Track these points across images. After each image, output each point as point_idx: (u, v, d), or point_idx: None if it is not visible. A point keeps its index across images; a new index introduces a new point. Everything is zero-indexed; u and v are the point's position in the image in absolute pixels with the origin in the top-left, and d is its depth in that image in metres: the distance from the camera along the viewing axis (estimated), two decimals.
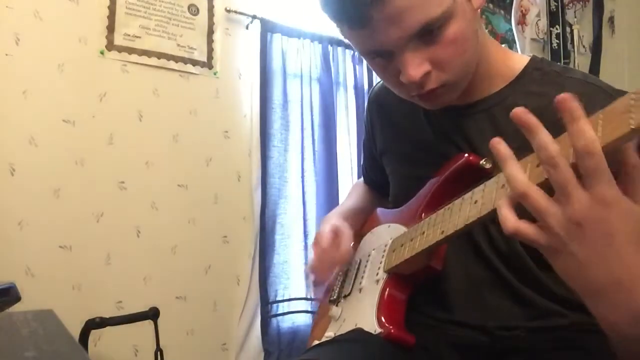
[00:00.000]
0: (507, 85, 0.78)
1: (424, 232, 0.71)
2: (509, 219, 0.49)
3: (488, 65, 0.78)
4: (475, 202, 0.59)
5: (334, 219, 0.97)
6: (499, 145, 0.51)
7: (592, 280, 0.47)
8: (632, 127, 0.42)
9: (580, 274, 0.47)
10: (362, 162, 1.15)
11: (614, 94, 0.70)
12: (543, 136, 0.46)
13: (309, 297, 2.12)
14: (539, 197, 0.47)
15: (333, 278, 0.94)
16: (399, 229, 0.83)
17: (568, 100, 0.44)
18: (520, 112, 0.48)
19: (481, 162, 0.72)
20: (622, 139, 0.44)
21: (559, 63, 0.82)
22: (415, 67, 0.67)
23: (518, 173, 0.48)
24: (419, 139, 0.86)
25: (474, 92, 0.79)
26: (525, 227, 0.48)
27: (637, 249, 0.45)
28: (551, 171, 0.46)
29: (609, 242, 0.45)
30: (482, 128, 0.77)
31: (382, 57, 0.69)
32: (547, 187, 0.47)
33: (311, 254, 0.95)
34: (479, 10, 0.72)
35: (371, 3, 0.62)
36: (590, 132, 0.43)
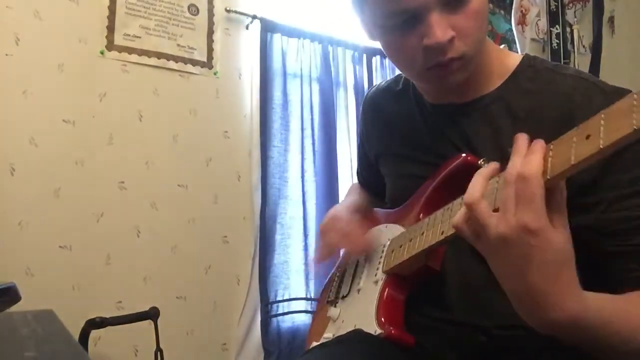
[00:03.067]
0: (501, 83, 0.78)
1: (423, 233, 0.71)
2: (458, 216, 0.57)
3: (486, 62, 0.79)
4: None
5: (342, 210, 0.97)
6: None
7: (509, 288, 0.55)
8: (635, 127, 0.43)
9: (501, 279, 0.56)
10: (357, 167, 1.15)
11: (607, 89, 0.70)
12: (515, 158, 0.53)
13: (308, 297, 2.12)
14: (482, 210, 0.53)
15: (328, 280, 0.93)
16: (397, 230, 0.83)
17: (519, 138, 0.54)
18: (519, 137, 0.54)
19: (479, 161, 0.72)
20: (624, 139, 0.44)
21: (553, 61, 0.82)
22: (443, 29, 0.68)
23: (476, 184, 0.56)
24: (416, 139, 0.86)
25: (470, 90, 0.79)
26: (466, 229, 0.56)
27: (550, 274, 0.51)
28: (501, 187, 0.53)
29: (526, 262, 0.51)
30: (479, 126, 0.77)
31: (405, 22, 0.69)
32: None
33: (319, 238, 0.93)
34: None
35: None
36: (534, 162, 0.50)
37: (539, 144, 0.52)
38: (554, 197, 0.52)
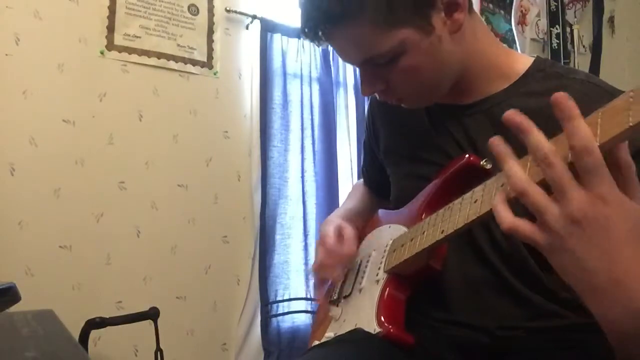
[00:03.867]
0: (509, 85, 0.78)
1: (424, 232, 0.71)
2: (506, 217, 0.49)
3: (489, 66, 0.79)
4: (476, 201, 0.59)
5: (337, 220, 0.97)
6: (498, 143, 0.51)
7: (590, 277, 0.46)
8: (631, 124, 0.43)
9: (578, 271, 0.47)
10: (362, 164, 1.15)
11: (615, 94, 0.70)
12: (536, 135, 0.47)
13: (309, 297, 2.12)
14: (537, 195, 0.47)
15: (337, 277, 0.94)
16: (399, 230, 0.83)
17: (564, 99, 0.45)
18: (512, 114, 0.49)
19: (482, 162, 0.72)
20: (620, 136, 0.44)
21: (561, 64, 0.83)
22: (367, 85, 0.76)
23: (517, 170, 0.48)
24: (421, 138, 0.86)
25: (475, 92, 0.79)
26: (523, 225, 0.48)
27: (635, 247, 0.45)
28: (547, 170, 0.46)
29: (608, 239, 0.45)
30: (484, 128, 0.77)
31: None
32: (545, 186, 0.47)
33: (316, 254, 0.95)
34: (457, 30, 0.74)
35: (322, 35, 0.72)
36: (586, 130, 0.44)
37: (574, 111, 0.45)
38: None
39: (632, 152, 0.51)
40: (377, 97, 0.79)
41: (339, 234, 0.92)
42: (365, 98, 1.92)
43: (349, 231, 0.92)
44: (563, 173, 0.45)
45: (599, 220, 0.44)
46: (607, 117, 0.45)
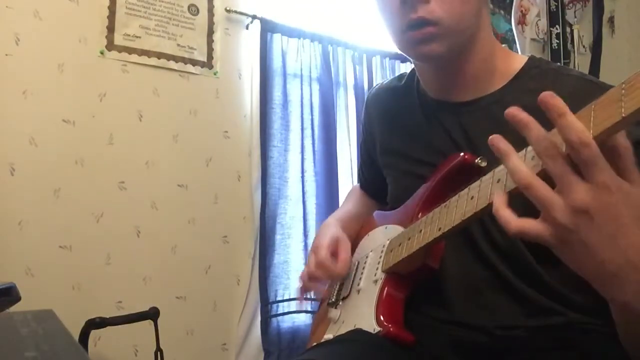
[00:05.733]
0: (506, 84, 0.78)
1: (421, 230, 0.71)
2: (511, 220, 0.49)
3: (491, 63, 0.79)
4: (472, 197, 0.60)
5: (333, 227, 0.97)
6: (499, 140, 0.51)
7: (604, 264, 0.46)
8: (623, 115, 0.43)
9: (591, 260, 0.47)
10: (358, 167, 1.15)
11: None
12: (538, 130, 0.47)
13: (308, 297, 2.11)
14: (543, 188, 0.47)
15: (322, 292, 0.94)
16: (396, 230, 0.83)
17: (549, 97, 0.46)
18: (513, 111, 0.49)
19: (476, 160, 0.73)
20: (613, 127, 0.44)
21: (558, 63, 0.83)
22: None
23: (521, 165, 0.48)
24: (418, 137, 0.86)
25: (473, 89, 0.80)
26: (530, 224, 0.48)
27: None
28: (550, 163, 0.46)
29: (618, 225, 0.45)
30: (481, 125, 0.78)
31: None
32: (545, 180, 0.48)
33: (308, 261, 0.95)
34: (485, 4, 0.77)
35: None
36: (578, 123, 0.44)
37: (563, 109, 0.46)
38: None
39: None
40: (410, 9, 0.72)
41: (335, 247, 0.92)
42: (365, 98, 1.91)
43: (344, 243, 0.92)
44: (566, 166, 0.46)
45: (606, 209, 0.45)
46: (599, 109, 0.46)
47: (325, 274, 0.90)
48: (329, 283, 0.98)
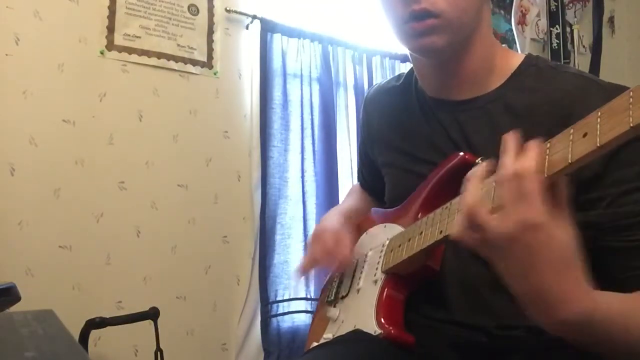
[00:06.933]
0: (503, 82, 0.78)
1: (422, 232, 0.71)
2: (456, 226, 0.56)
3: (490, 62, 0.79)
4: None
5: (335, 218, 0.97)
6: (476, 170, 0.58)
7: (517, 288, 0.54)
8: (631, 125, 0.43)
9: (509, 282, 0.54)
10: (357, 167, 1.15)
11: (607, 86, 0.71)
12: (506, 158, 0.52)
13: (308, 297, 2.12)
14: (481, 213, 0.53)
15: (324, 287, 0.94)
16: (395, 229, 0.83)
17: (508, 138, 0.53)
18: (508, 137, 0.54)
19: (477, 160, 0.72)
20: (621, 137, 0.44)
21: (558, 62, 0.83)
22: None
23: (471, 190, 0.55)
24: (415, 133, 0.86)
25: (471, 87, 0.80)
26: (468, 236, 0.54)
27: (558, 270, 0.51)
28: (497, 188, 0.53)
29: (531, 262, 0.51)
30: (479, 125, 0.78)
31: None
32: None
33: (308, 250, 0.94)
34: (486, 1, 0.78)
35: None
36: (528, 159, 0.50)
37: (534, 143, 0.52)
38: (555, 194, 0.51)
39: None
40: (416, 7, 0.72)
41: (337, 234, 0.91)
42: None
43: (347, 233, 0.91)
44: (508, 194, 0.51)
45: (524, 243, 0.50)
46: (606, 117, 0.45)
47: (328, 260, 0.89)
48: (327, 278, 0.97)
